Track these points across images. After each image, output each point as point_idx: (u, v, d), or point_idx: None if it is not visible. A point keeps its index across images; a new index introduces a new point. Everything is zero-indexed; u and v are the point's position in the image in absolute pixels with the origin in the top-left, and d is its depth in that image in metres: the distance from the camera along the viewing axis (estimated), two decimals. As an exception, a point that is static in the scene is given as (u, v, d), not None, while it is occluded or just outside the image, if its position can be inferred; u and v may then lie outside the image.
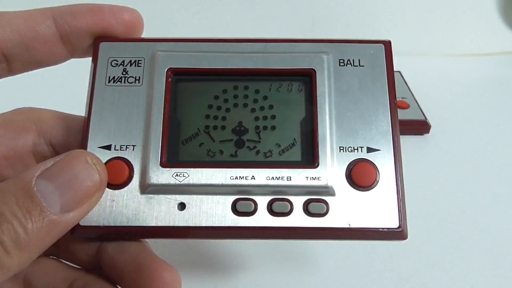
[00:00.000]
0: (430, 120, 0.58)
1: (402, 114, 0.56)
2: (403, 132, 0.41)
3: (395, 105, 0.28)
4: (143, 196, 0.27)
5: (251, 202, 0.27)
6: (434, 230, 0.43)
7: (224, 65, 0.29)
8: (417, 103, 0.60)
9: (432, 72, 0.71)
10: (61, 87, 0.57)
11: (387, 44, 0.30)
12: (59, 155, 0.23)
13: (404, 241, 0.27)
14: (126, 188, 0.27)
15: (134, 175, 0.27)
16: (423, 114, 0.58)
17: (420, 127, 0.57)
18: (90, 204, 0.24)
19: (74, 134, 0.29)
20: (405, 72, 0.66)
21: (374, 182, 0.27)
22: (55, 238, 0.22)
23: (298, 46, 0.30)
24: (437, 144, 0.56)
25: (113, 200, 0.27)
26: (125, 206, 0.27)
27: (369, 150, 0.28)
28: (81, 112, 0.29)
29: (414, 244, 0.40)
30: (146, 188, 0.27)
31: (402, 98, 0.61)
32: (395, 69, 0.29)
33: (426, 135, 0.58)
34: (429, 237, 0.42)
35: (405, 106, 0.59)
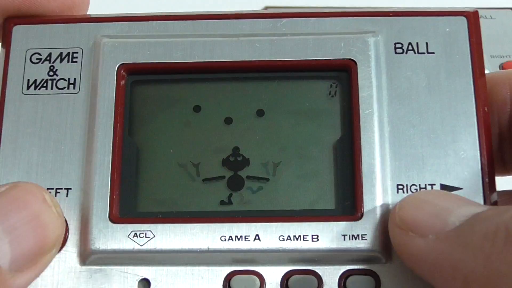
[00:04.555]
0: None
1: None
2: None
3: (486, 115, 0.24)
4: (84, 268, 0.24)
5: (255, 277, 0.23)
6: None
7: (208, 57, 0.25)
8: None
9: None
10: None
11: (472, 16, 0.25)
12: None
13: None
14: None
15: (69, 236, 0.24)
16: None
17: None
18: (42, 264, 0.22)
19: None
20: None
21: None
22: None
23: (328, 23, 0.26)
24: None
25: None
26: (56, 284, 0.23)
27: (445, 189, 0.24)
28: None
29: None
30: (88, 256, 0.24)
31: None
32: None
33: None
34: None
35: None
